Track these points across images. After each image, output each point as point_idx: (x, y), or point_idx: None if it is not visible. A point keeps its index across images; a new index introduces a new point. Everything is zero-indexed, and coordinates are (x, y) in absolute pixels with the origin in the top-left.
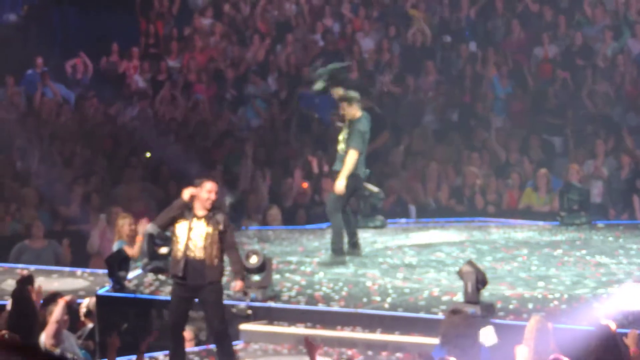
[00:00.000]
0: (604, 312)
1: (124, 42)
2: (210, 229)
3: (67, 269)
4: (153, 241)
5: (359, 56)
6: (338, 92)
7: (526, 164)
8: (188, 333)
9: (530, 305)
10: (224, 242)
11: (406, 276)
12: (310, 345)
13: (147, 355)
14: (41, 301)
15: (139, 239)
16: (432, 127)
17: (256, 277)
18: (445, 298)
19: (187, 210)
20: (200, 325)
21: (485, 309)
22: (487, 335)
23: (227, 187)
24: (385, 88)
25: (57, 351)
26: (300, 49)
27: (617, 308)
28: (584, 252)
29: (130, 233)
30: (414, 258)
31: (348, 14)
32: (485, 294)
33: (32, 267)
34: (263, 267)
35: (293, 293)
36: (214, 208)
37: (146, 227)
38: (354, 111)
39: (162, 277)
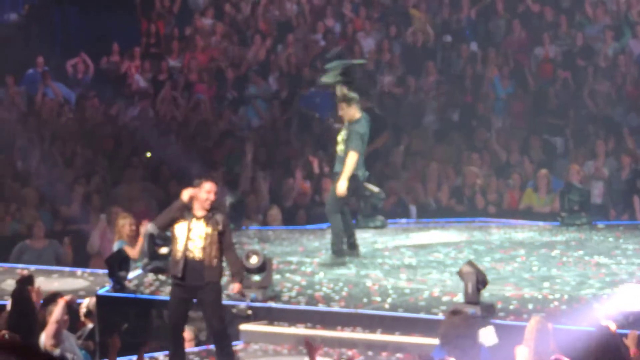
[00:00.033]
0: (604, 312)
1: (125, 42)
2: (209, 230)
3: (67, 269)
4: (153, 241)
5: (360, 56)
6: (342, 90)
7: (527, 164)
8: (188, 333)
9: (530, 306)
10: (223, 242)
11: (408, 277)
12: (310, 346)
13: (147, 355)
14: (41, 301)
15: (140, 240)
16: (433, 128)
17: (256, 278)
18: (445, 298)
19: (186, 211)
20: (200, 326)
21: (486, 309)
22: (487, 336)
23: (227, 187)
24: (386, 88)
25: (57, 351)
26: (301, 49)
27: (617, 309)
28: (585, 252)
29: (130, 233)
30: (415, 259)
31: (349, 14)
32: (486, 294)
33: (33, 267)
34: (263, 268)
35: (293, 293)
36: (213, 208)
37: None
38: (353, 112)
39: (162, 277)
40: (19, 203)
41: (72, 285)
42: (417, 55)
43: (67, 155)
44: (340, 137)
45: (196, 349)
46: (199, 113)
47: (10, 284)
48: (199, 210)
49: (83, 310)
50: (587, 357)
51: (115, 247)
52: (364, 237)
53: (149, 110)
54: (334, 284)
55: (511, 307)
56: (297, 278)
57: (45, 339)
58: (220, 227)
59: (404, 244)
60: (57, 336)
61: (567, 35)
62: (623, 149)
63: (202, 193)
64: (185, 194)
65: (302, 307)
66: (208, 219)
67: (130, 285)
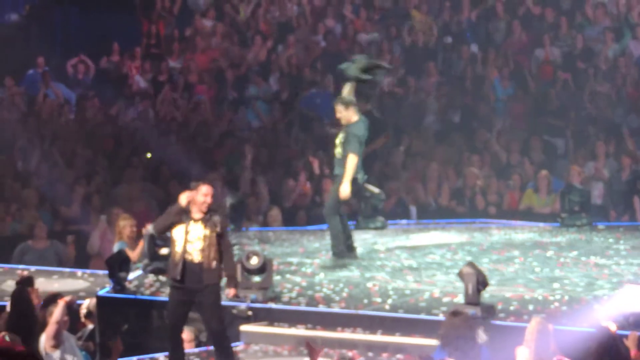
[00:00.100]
0: (604, 313)
1: (125, 42)
2: (207, 231)
3: (67, 269)
4: (154, 242)
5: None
6: (348, 87)
7: (527, 165)
8: (188, 334)
9: (530, 307)
10: (221, 244)
11: (410, 278)
12: (311, 348)
13: (147, 355)
14: (41, 302)
15: (141, 243)
16: (434, 128)
17: (257, 278)
18: (445, 299)
19: (184, 215)
20: (201, 327)
21: (486, 310)
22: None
23: (227, 188)
24: (387, 88)
25: (58, 352)
26: (302, 49)
27: (617, 310)
28: (584, 253)
29: (131, 234)
30: (417, 260)
31: (349, 15)
32: (486, 295)
33: (33, 268)
34: (263, 268)
35: (293, 294)
36: (211, 210)
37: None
38: (350, 115)
39: (162, 278)
40: (19, 203)
41: (72, 286)
42: (417, 56)
43: (67, 155)
44: (338, 139)
45: (196, 350)
46: (199, 114)
47: (10, 285)
48: (196, 213)
49: (83, 311)
50: (587, 358)
51: (116, 248)
52: (365, 238)
53: (149, 111)
54: (334, 284)
55: (511, 308)
56: (298, 279)
57: (45, 339)
58: (218, 229)
59: (405, 245)
60: (57, 337)
61: (567, 36)
62: (623, 150)
63: (199, 196)
64: (183, 198)
65: (303, 308)
66: (206, 221)
67: (130, 286)
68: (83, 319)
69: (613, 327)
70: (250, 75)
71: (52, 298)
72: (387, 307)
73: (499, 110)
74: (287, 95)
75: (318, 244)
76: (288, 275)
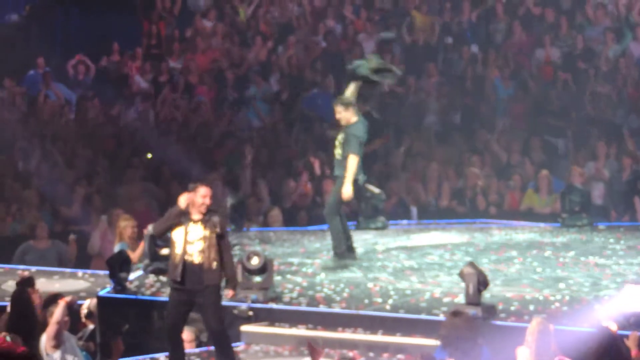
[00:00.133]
0: (605, 314)
1: (126, 43)
2: (207, 232)
3: (68, 270)
4: (154, 242)
5: (361, 57)
6: (352, 87)
7: (528, 165)
8: (189, 334)
9: (531, 307)
10: (221, 245)
11: (414, 279)
12: (313, 348)
13: (147, 355)
14: (42, 303)
15: (142, 244)
16: (434, 129)
17: (257, 279)
18: (446, 300)
19: (183, 217)
20: (201, 327)
21: (487, 310)
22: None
23: (228, 188)
24: (387, 88)
25: (58, 352)
26: (302, 50)
27: (618, 310)
28: (586, 253)
29: (132, 235)
30: (417, 260)
31: (350, 16)
32: (488, 295)
33: (34, 269)
34: (264, 269)
35: (294, 294)
36: (210, 211)
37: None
38: (350, 116)
39: (163, 278)
40: (20, 204)
41: (73, 286)
42: (417, 56)
43: (68, 156)
44: (338, 140)
45: (197, 350)
46: (199, 114)
47: (11, 285)
48: (196, 214)
49: (84, 311)
50: (588, 359)
51: (116, 249)
52: (366, 239)
53: (150, 111)
54: (335, 285)
55: (512, 308)
56: (298, 279)
57: (46, 340)
58: (218, 230)
59: (405, 245)
60: (57, 337)
61: (567, 37)
62: (624, 150)
63: (198, 197)
64: (182, 200)
65: (303, 308)
66: (205, 221)
67: (131, 286)
68: (84, 319)
69: (614, 327)
70: (250, 75)
71: (53, 298)
72: (387, 307)
73: (500, 110)
74: (287, 95)
75: (319, 244)
76: (289, 276)
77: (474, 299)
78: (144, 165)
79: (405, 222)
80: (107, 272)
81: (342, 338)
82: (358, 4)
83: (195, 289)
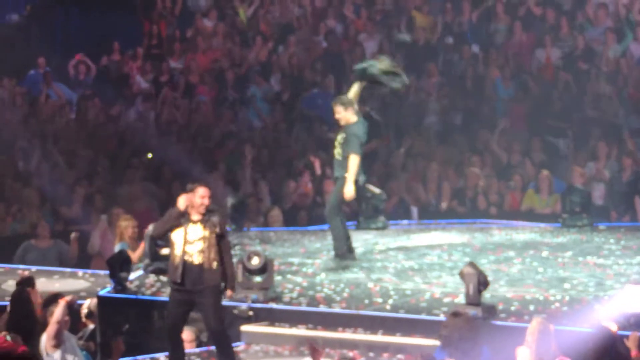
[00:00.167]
0: (605, 314)
1: (126, 43)
2: (206, 232)
3: (68, 269)
4: (155, 242)
5: (361, 57)
6: (356, 86)
7: (528, 165)
8: (189, 334)
9: (531, 307)
10: (221, 245)
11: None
12: (314, 349)
13: (147, 355)
14: (42, 302)
15: (142, 244)
16: (435, 129)
17: (258, 279)
18: (446, 300)
19: (183, 218)
20: (201, 327)
21: (487, 310)
22: None
23: (229, 188)
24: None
25: (58, 352)
26: (303, 50)
27: (618, 310)
28: (590, 253)
29: (132, 235)
30: (418, 260)
31: (350, 15)
32: (487, 295)
33: (34, 268)
34: (264, 269)
35: (294, 294)
36: (209, 211)
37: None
38: (349, 116)
39: (163, 278)
40: (20, 204)
41: (73, 286)
42: (418, 57)
43: (68, 155)
44: (337, 141)
45: (197, 350)
46: (200, 114)
47: (11, 285)
48: (195, 215)
49: (84, 311)
50: (588, 359)
51: (117, 249)
52: (366, 239)
53: (150, 112)
54: (335, 285)
55: (512, 308)
56: (299, 279)
57: (46, 339)
58: (217, 230)
59: (406, 245)
60: (58, 337)
61: (568, 37)
62: (624, 151)
63: (197, 198)
64: (181, 202)
65: (304, 308)
66: (205, 222)
67: (131, 286)
68: (84, 319)
69: (614, 328)
70: (251, 75)
71: (53, 298)
72: (388, 307)
73: (500, 110)
74: (288, 95)
75: (319, 244)
76: (289, 276)
77: (474, 299)
78: (145, 165)
79: (405, 222)
80: (107, 271)
81: (342, 338)
82: (359, 4)
83: (195, 289)
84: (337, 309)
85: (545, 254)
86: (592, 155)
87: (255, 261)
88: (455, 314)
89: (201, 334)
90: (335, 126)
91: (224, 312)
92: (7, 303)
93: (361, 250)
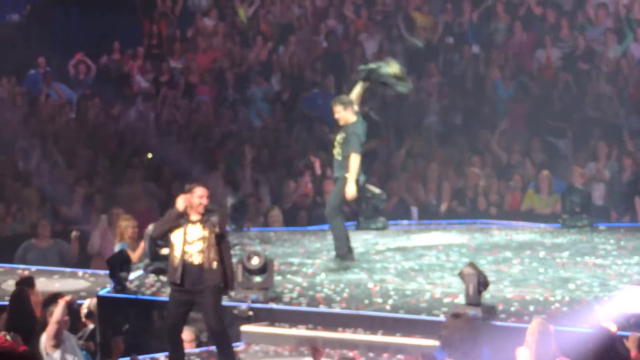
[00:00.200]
0: (605, 314)
1: (126, 42)
2: (206, 232)
3: (68, 269)
4: (155, 242)
5: (362, 58)
6: (359, 87)
7: (528, 165)
8: (189, 334)
9: (531, 308)
10: (221, 245)
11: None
12: (314, 349)
13: (147, 355)
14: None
15: (142, 244)
16: (435, 129)
17: (258, 279)
18: (446, 300)
19: (182, 218)
20: (201, 327)
21: (487, 311)
22: None
23: (229, 188)
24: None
25: (58, 352)
26: (303, 50)
27: (618, 310)
28: (591, 253)
29: (132, 235)
30: (418, 260)
31: (351, 15)
32: (487, 295)
33: (34, 268)
34: (264, 269)
35: (294, 294)
36: (208, 211)
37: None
38: (348, 115)
39: (163, 278)
40: (20, 204)
41: (73, 285)
42: (418, 57)
43: (68, 155)
44: (337, 141)
45: (197, 350)
46: (200, 114)
47: (11, 285)
48: (194, 215)
49: (84, 311)
50: (588, 359)
51: (117, 249)
52: (366, 239)
53: (151, 111)
54: (335, 285)
55: (512, 309)
56: (299, 279)
57: (45, 339)
58: (217, 230)
59: (406, 245)
60: (57, 337)
61: (568, 37)
62: (624, 151)
63: (195, 198)
64: (180, 203)
65: (303, 308)
66: (204, 222)
67: (131, 286)
68: (84, 319)
69: (613, 328)
70: (251, 75)
71: (53, 298)
72: (387, 307)
73: (500, 110)
74: (288, 95)
75: (319, 244)
76: (289, 276)
77: (474, 300)
78: (145, 165)
79: (405, 222)
80: (107, 271)
81: (342, 338)
82: (359, 4)
83: (195, 289)
84: (337, 309)
85: (547, 254)
86: (592, 155)
87: (255, 261)
88: (455, 315)
89: (201, 334)
90: (336, 126)
91: (224, 312)
92: (7, 303)
93: (361, 250)
